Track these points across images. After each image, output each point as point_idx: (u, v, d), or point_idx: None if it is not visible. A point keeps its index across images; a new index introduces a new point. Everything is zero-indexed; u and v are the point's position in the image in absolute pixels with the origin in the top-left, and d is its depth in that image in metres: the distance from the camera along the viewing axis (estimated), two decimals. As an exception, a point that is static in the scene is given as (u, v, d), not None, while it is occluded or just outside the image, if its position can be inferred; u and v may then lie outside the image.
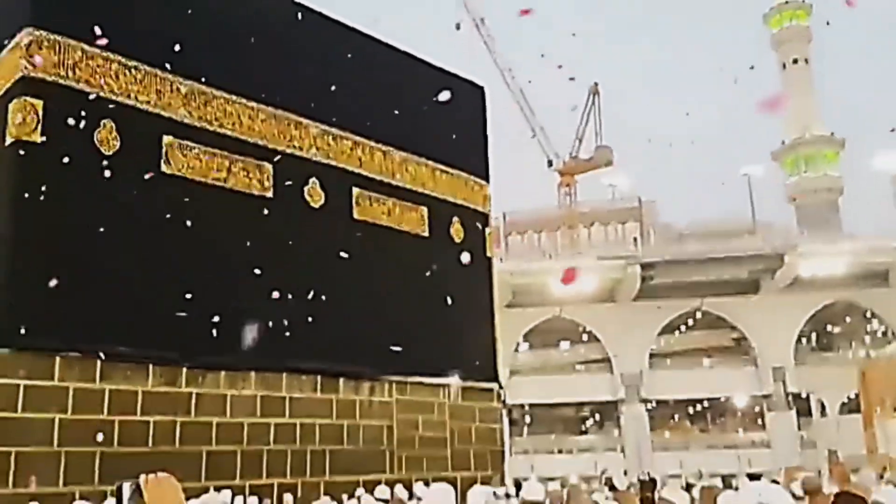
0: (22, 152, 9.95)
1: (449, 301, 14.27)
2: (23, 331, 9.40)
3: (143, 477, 1.75)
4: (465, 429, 14.48)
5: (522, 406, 38.40)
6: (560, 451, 38.70)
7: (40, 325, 9.49)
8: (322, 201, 13.01)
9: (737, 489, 8.20)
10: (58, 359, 9.69)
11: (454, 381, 14.34)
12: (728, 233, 41.36)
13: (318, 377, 12.30)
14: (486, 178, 16.50)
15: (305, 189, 12.84)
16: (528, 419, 40.78)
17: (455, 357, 14.27)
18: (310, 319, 11.97)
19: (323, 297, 12.29)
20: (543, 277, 34.14)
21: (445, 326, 14.04)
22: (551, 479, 19.10)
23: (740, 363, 39.13)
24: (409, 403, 13.53)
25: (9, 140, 10.03)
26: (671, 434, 40.52)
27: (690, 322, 39.07)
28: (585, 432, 42.02)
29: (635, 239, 44.10)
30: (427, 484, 10.39)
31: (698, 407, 41.62)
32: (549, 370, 39.00)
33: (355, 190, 13.62)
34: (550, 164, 52.22)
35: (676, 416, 41.92)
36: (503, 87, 49.36)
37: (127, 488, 1.77)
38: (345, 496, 9.91)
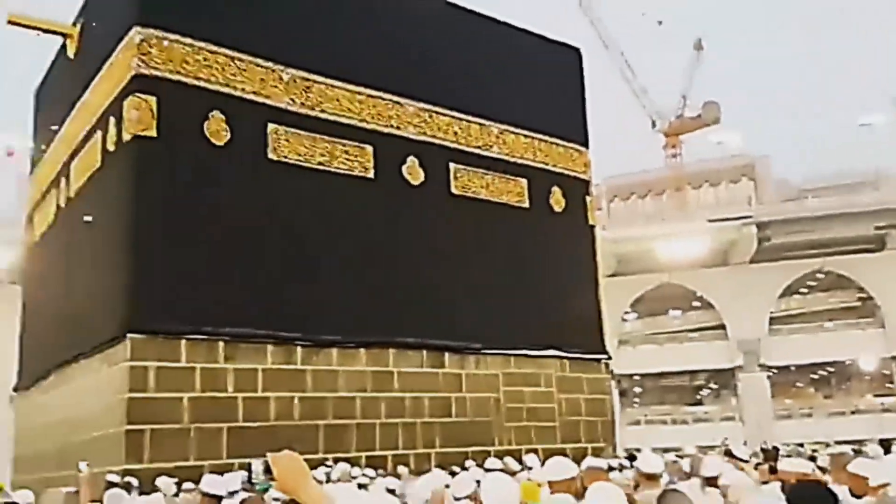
0: (139, 147, 10.56)
1: (551, 272, 14.14)
2: (151, 317, 10.08)
3: (269, 454, 1.84)
4: (573, 400, 14.39)
5: (632, 376, 37.69)
6: (674, 422, 37.80)
7: (167, 310, 10.14)
8: (421, 179, 13.14)
9: (873, 456, 7.67)
10: (184, 341, 10.31)
11: (559, 352, 14.24)
12: (849, 187, 38.69)
13: (424, 352, 12.52)
14: (586, 144, 16.11)
15: (404, 168, 13.00)
16: (638, 390, 40.03)
17: (559, 329, 14.16)
18: (414, 296, 12.19)
19: (426, 273, 12.48)
20: (650, 244, 33.14)
21: (549, 298, 13.94)
22: (666, 451, 18.74)
23: (866, 324, 36.77)
24: (514, 376, 13.56)
25: (126, 136, 10.67)
26: (793, 401, 38.75)
27: (811, 283, 36.97)
28: (700, 402, 40.81)
29: (749, 198, 42.00)
30: (537, 455, 10.43)
31: (822, 372, 39.53)
32: (660, 339, 38.01)
33: (453, 165, 13.67)
34: (654, 125, 50.34)
35: (799, 383, 39.99)
36: (601, 49, 47.88)
37: (257, 465, 1.90)
38: (455, 467, 10.09)
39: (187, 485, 7.82)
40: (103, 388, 10.79)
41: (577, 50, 16.57)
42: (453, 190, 13.57)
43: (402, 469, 9.96)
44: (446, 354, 12.79)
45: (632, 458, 10.76)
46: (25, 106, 17.97)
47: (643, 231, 35.51)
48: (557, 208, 15.16)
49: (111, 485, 7.67)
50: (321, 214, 11.66)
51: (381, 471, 9.92)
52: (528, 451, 11.57)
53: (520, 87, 14.58)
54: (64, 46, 14.48)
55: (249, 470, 1.92)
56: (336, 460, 10.11)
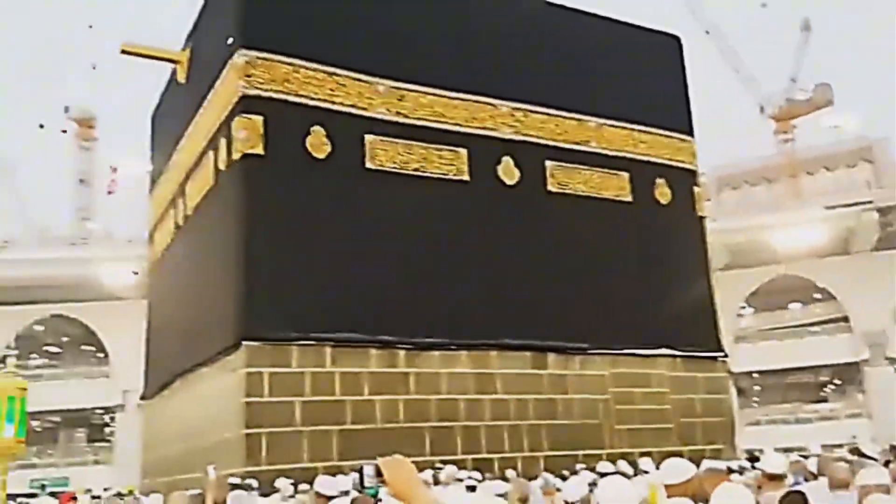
0: (247, 165, 11.04)
1: (659, 267, 13.68)
2: (264, 325, 10.48)
3: (379, 459, 1.90)
4: (688, 400, 13.83)
5: (750, 374, 35.93)
6: (796, 421, 35.76)
7: (278, 319, 10.53)
8: (517, 178, 13.04)
9: None
10: (294, 348, 10.66)
11: (670, 351, 13.72)
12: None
13: (527, 353, 12.38)
14: (691, 133, 15.51)
15: (499, 168, 12.94)
16: (757, 388, 38.11)
17: (670, 326, 13.65)
18: (514, 296, 12.09)
19: (525, 274, 12.36)
20: (764, 234, 31.53)
21: (657, 295, 13.49)
22: (788, 451, 17.72)
23: None
24: (623, 376, 13.18)
25: (236, 155, 11.18)
26: (928, 396, 35.77)
27: (945, 270, 34.07)
28: (824, 399, 38.42)
29: (868, 182, 39.23)
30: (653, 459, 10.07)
31: (962, 365, 36.28)
32: (778, 334, 36.06)
33: (549, 163, 13.48)
34: (762, 110, 47.94)
35: (934, 377, 36.90)
36: (703, 35, 46.08)
37: (368, 468, 1.94)
38: (565, 471, 9.89)
39: (303, 486, 8.03)
40: (222, 395, 11.30)
41: (676, 38, 16.00)
42: (550, 188, 13.38)
43: (510, 472, 9.86)
44: (549, 355, 12.60)
45: (753, 459, 10.22)
46: (144, 129, 19.19)
47: (756, 221, 33.82)
48: (663, 201, 14.66)
49: (234, 487, 7.99)
50: (419, 220, 11.80)
51: (488, 474, 9.87)
52: (641, 455, 11.20)
53: (618, 79, 14.23)
54: (174, 73, 15.35)
55: (361, 473, 1.95)
56: (443, 462, 10.15)
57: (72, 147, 44.01)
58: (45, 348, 39.41)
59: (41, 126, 36.98)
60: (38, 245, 34.28)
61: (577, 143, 13.87)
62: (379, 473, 1.89)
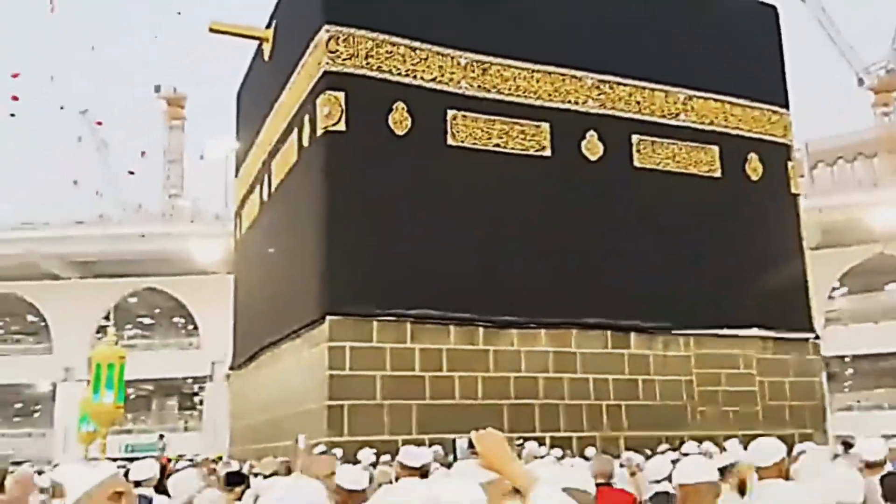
0: (329, 141, 11.17)
1: (749, 245, 13.16)
2: (346, 300, 10.66)
3: (473, 432, 1.91)
4: (776, 383, 13.32)
5: (842, 358, 34.33)
6: (890, 407, 34.03)
7: (359, 294, 10.69)
8: (601, 153, 12.74)
9: None
10: (375, 323, 10.81)
11: (758, 332, 13.21)
12: None
13: (608, 332, 12.16)
14: (786, 106, 14.76)
15: (583, 143, 12.66)
16: (850, 372, 36.41)
17: (758, 306, 13.13)
18: (596, 274, 11.88)
19: (609, 251, 12.11)
20: (860, 212, 29.90)
21: (746, 273, 12.99)
22: (886, 437, 16.83)
23: None
24: (708, 357, 12.80)
25: (319, 132, 11.32)
26: None
27: None
28: (921, 386, 36.39)
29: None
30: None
31: None
32: (875, 316, 34.27)
33: (635, 137, 13.11)
34: (861, 82, 45.27)
35: None
36: (799, 4, 43.74)
37: (461, 441, 1.95)
38: (647, 451, 9.71)
39: (384, 457, 8.19)
40: (306, 367, 11.60)
41: (772, 7, 15.19)
42: (636, 163, 13.02)
43: (589, 450, 9.76)
44: (632, 335, 12.34)
45: (846, 445, 9.77)
46: (229, 108, 19.71)
47: (852, 198, 32.10)
48: (754, 176, 14.05)
49: (320, 455, 8.21)
50: (499, 196, 11.69)
51: (567, 451, 9.80)
52: (726, 438, 10.87)
53: (709, 50, 13.65)
54: (260, 50, 15.64)
55: (454, 445, 1.96)
56: (522, 440, 10.13)
57: (162, 126, 45.72)
58: (139, 320, 41.45)
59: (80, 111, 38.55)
60: (131, 221, 35.91)
61: (665, 117, 13.41)
62: (471, 446, 1.90)
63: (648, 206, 12.66)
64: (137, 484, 4.36)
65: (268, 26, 14.99)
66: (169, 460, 12.75)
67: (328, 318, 10.74)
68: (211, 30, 14.08)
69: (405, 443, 9.99)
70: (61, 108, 40.34)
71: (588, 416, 11.66)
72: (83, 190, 40.97)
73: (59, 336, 36.62)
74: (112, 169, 41.93)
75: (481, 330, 11.38)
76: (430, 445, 9.65)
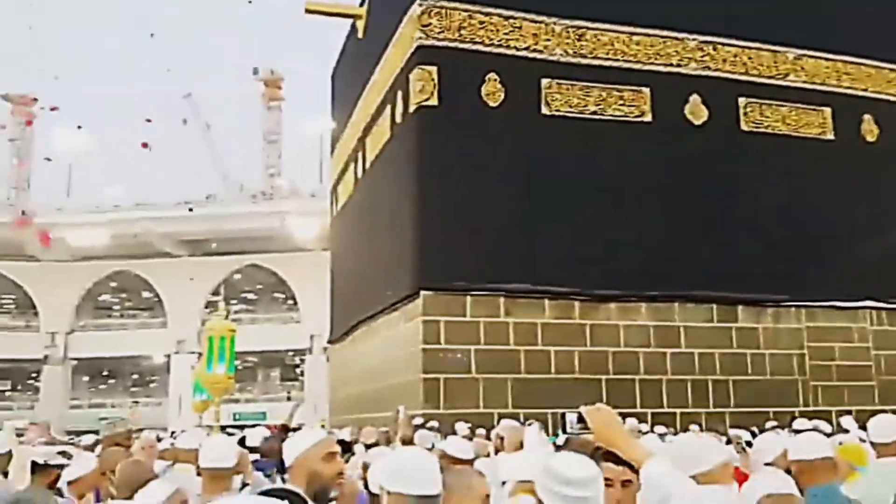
0: (422, 116, 11.18)
1: (864, 212, 12.32)
2: (440, 275, 10.71)
3: (583, 407, 1.92)
4: (892, 357, 12.48)
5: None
6: None
7: (453, 268, 10.72)
8: (706, 117, 12.17)
9: None
10: (468, 298, 10.82)
11: (872, 304, 12.39)
12: None
13: (714, 306, 11.71)
14: (905, 63, 13.65)
15: (686, 107, 12.13)
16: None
17: (877, 276, 12.29)
18: (701, 245, 11.43)
19: (714, 220, 11.62)
20: None
21: (863, 242, 12.16)
22: None
23: None
24: (821, 330, 12.12)
25: (412, 108, 11.35)
26: None
27: None
28: None
29: None
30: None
31: None
32: None
33: (742, 99, 12.45)
34: None
35: None
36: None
37: (571, 415, 1.92)
38: (754, 428, 9.33)
39: (480, 430, 8.22)
40: (401, 341, 11.77)
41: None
42: (743, 126, 12.37)
43: (693, 427, 9.47)
44: (739, 308, 11.83)
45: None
46: (325, 88, 20.08)
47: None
48: (870, 138, 13.11)
49: (419, 427, 8.35)
50: (596, 165, 11.38)
51: (670, 428, 9.54)
52: (840, 414, 10.30)
53: (817, 5, 12.75)
54: (354, 29, 15.81)
55: (564, 420, 1.94)
56: (622, 416, 9.92)
57: (260, 107, 47.19)
58: (243, 295, 43.30)
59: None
60: (234, 201, 37.39)
61: (773, 77, 12.65)
62: (581, 421, 1.90)
63: (756, 171, 12.03)
64: (253, 450, 4.57)
65: (361, 4, 15.12)
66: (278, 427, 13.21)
67: (422, 292, 10.83)
68: (307, 10, 14.32)
69: (501, 416, 10.06)
70: (182, 94, 42.19)
71: (693, 391, 11.30)
72: (190, 171, 42.89)
73: (172, 311, 38.78)
74: (216, 150, 43.69)
75: (577, 303, 11.18)
76: (525, 420, 9.66)
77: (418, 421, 9.29)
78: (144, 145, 34.06)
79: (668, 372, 11.27)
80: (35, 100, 47.53)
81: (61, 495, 3.94)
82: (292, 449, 2.30)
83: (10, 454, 3.99)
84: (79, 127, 36.81)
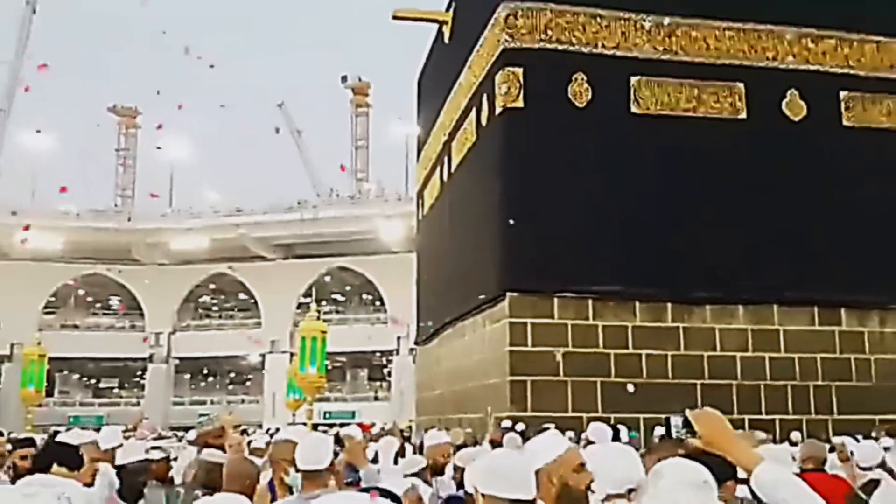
0: (507, 119, 11.18)
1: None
2: (526, 277, 10.68)
3: (689, 411, 1.87)
4: None
5: None
6: None
7: (540, 271, 10.66)
8: (804, 113, 11.63)
9: None
10: (556, 300, 10.73)
11: None
12: None
13: (815, 308, 11.18)
14: None
15: (783, 103, 11.63)
16: None
17: None
18: (801, 246, 10.94)
19: (814, 220, 11.09)
20: None
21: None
22: None
23: None
24: (932, 336, 11.37)
25: (498, 110, 11.36)
26: None
27: None
28: None
29: None
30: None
31: None
32: None
33: (843, 93, 11.83)
34: None
35: None
36: None
37: (675, 419, 1.91)
38: (858, 436, 8.84)
39: (568, 433, 8.13)
40: (488, 343, 11.79)
41: None
42: (845, 122, 11.76)
43: (794, 435, 9.07)
44: (843, 311, 11.25)
45: None
46: (411, 93, 20.36)
47: None
48: None
49: (507, 429, 8.35)
50: (689, 163, 11.04)
51: (769, 435, 9.16)
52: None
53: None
54: (440, 33, 15.97)
55: (668, 423, 1.91)
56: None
57: (348, 113, 48.29)
58: (332, 296, 44.37)
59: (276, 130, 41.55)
60: (324, 205, 38.40)
61: (878, 70, 11.96)
62: (687, 424, 1.86)
63: (861, 168, 11.39)
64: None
65: (447, 9, 15.25)
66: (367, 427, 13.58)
67: (508, 294, 10.82)
68: (394, 16, 14.57)
69: (589, 420, 9.92)
70: (277, 103, 43.76)
71: (793, 397, 10.82)
72: (282, 176, 44.36)
73: (267, 312, 40.18)
74: (306, 155, 45.03)
75: (669, 306, 10.91)
76: (615, 424, 9.49)
77: (507, 423, 9.31)
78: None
79: (768, 377, 10.84)
80: (139, 112, 50.25)
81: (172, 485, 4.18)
82: (538, 456, 2.13)
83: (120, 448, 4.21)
84: (182, 139, 38.67)
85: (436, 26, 15.88)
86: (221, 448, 4.51)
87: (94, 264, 41.23)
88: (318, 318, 12.83)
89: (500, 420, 10.11)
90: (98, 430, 5.19)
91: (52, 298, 42.91)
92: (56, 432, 7.51)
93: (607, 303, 10.84)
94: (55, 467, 2.97)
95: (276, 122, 43.90)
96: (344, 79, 47.58)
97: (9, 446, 5.17)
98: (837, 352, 11.11)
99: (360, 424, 11.03)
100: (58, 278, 41.24)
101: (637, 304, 10.90)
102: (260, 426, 23.20)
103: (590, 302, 10.82)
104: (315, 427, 12.12)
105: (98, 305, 46.73)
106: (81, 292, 44.95)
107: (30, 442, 4.67)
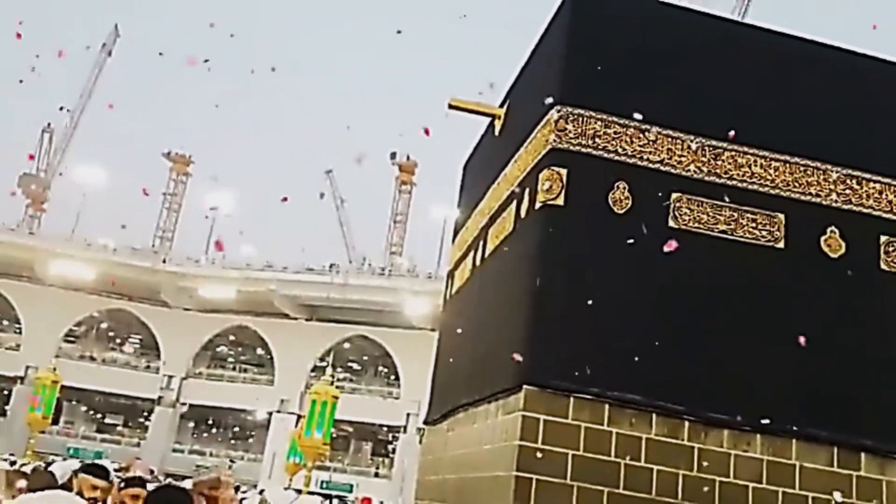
0: (547, 214, 11.40)
1: None
2: (545, 372, 10.62)
3: None
4: None
5: None
6: None
7: (558, 368, 10.60)
8: (842, 251, 11.68)
9: None
10: (571, 399, 10.62)
11: None
12: None
13: (835, 448, 10.88)
14: None
15: (822, 238, 11.71)
16: None
17: None
18: (826, 381, 10.77)
19: (843, 358, 10.95)
20: None
21: None
22: None
23: None
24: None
25: (538, 205, 11.61)
26: None
27: None
28: None
29: None
30: None
31: None
32: None
33: (883, 238, 11.88)
34: None
35: None
36: None
37: None
38: None
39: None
40: (498, 434, 11.62)
41: None
42: (883, 266, 11.75)
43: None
44: (863, 455, 10.94)
45: None
46: (453, 178, 20.86)
47: None
48: None
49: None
50: (722, 283, 11.09)
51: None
52: None
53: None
54: (491, 126, 16.49)
55: None
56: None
57: (392, 189, 49.44)
58: (349, 364, 44.23)
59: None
60: (355, 273, 38.87)
61: (920, 219, 12.05)
62: None
63: (894, 313, 11.32)
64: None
65: (501, 105, 15.80)
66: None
67: (525, 387, 10.74)
68: (450, 106, 15.12)
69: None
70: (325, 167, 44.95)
71: (806, 539, 10.44)
72: (318, 240, 45.25)
73: (282, 370, 40.15)
74: (346, 223, 45.93)
75: (687, 423, 10.71)
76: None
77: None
78: (284, 199, 36.20)
79: (780, 512, 10.49)
80: (192, 161, 51.94)
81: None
82: None
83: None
84: (228, 191, 39.83)
85: (487, 120, 16.43)
86: (216, 500, 4.51)
87: (122, 300, 41.86)
88: (332, 384, 12.82)
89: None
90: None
91: (75, 328, 43.45)
92: (53, 461, 7.52)
93: (625, 410, 10.68)
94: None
95: (322, 187, 45.07)
96: (393, 155, 49.01)
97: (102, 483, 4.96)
98: (854, 497, 10.73)
99: (364, 499, 10.86)
100: (84, 309, 41.88)
101: (654, 416, 10.73)
102: (255, 486, 22.81)
103: (606, 407, 10.68)
104: (311, 494, 11.91)
105: (118, 341, 47.12)
106: (104, 325, 45.46)
107: (139, 482, 4.63)
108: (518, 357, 10.47)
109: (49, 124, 49.91)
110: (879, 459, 11.00)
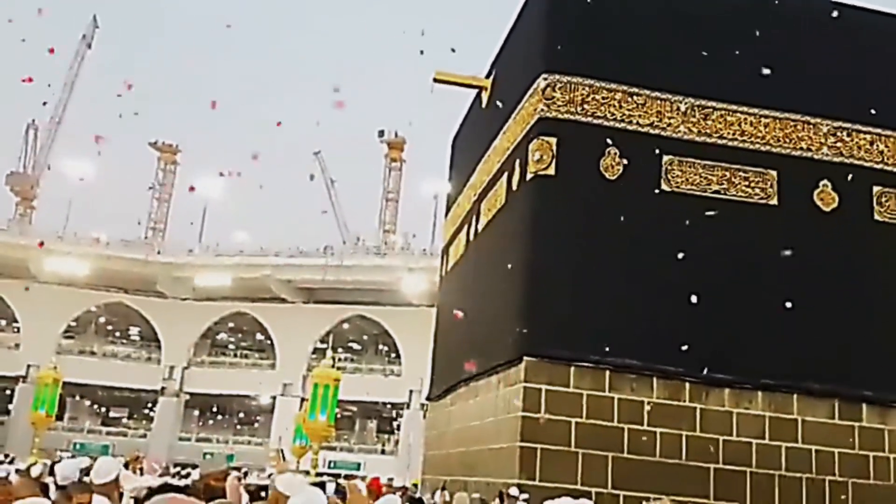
0: (538, 185, 11.34)
1: None
2: (544, 342, 10.64)
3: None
4: None
5: None
6: None
7: (558, 337, 10.63)
8: (835, 204, 11.67)
9: None
10: (572, 368, 10.66)
11: None
12: None
13: (836, 400, 10.97)
14: None
15: (815, 193, 11.69)
16: None
17: None
18: (825, 335, 10.82)
19: (840, 311, 11.00)
20: None
21: None
22: None
23: None
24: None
25: (529, 176, 11.54)
26: None
27: None
28: None
29: None
30: None
31: None
32: None
33: (876, 188, 11.86)
34: None
35: None
36: None
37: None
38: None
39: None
40: (501, 406, 11.69)
41: None
42: (876, 217, 11.75)
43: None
44: (864, 406, 11.03)
45: None
46: (443, 152, 20.74)
47: None
48: None
49: (514, 497, 8.21)
50: (716, 244, 11.08)
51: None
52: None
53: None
54: (478, 99, 16.34)
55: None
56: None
57: (382, 167, 49.16)
58: (349, 344, 44.32)
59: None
60: (349, 253, 38.79)
61: (912, 166, 12.03)
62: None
63: (890, 263, 11.35)
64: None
65: (487, 76, 15.65)
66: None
67: (525, 359, 10.77)
68: (435, 79, 14.96)
69: (598, 496, 9.75)
70: (314, 151, 44.69)
71: (808, 491, 10.53)
72: (310, 221, 45.11)
73: (283, 354, 40.21)
74: (337, 204, 45.73)
75: (688, 385, 10.77)
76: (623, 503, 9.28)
77: (514, 492, 9.17)
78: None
79: (783, 468, 10.58)
80: (179, 150, 51.53)
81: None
82: None
83: (116, 481, 4.18)
84: (221, 174, 39.59)
85: (474, 91, 16.28)
86: (222, 490, 4.51)
87: (119, 293, 41.73)
88: (333, 366, 12.81)
89: (507, 486, 9.96)
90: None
91: (73, 323, 43.36)
92: (60, 458, 7.53)
93: (625, 375, 10.73)
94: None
95: (312, 169, 44.78)
96: (381, 133, 48.66)
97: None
98: (856, 448, 10.84)
99: (373, 479, 10.87)
100: (81, 304, 41.76)
101: (655, 380, 10.78)
102: (262, 470, 22.99)
103: (607, 373, 10.73)
104: (319, 475, 12.00)
105: (117, 334, 47.08)
106: (102, 320, 45.37)
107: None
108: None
109: (34, 120, 49.48)
110: (880, 409, 11.09)
